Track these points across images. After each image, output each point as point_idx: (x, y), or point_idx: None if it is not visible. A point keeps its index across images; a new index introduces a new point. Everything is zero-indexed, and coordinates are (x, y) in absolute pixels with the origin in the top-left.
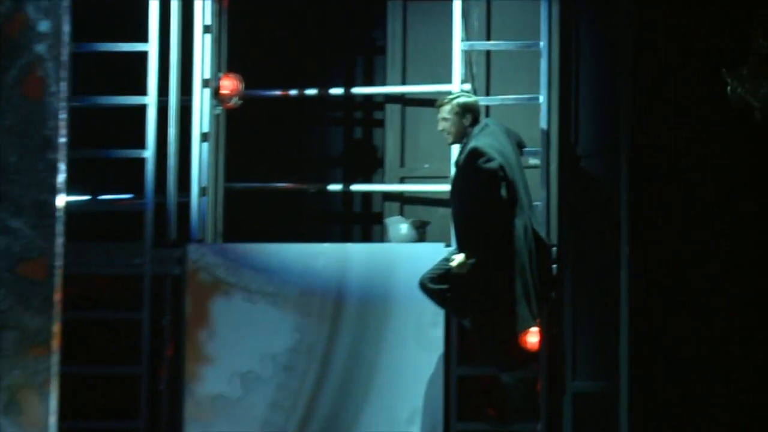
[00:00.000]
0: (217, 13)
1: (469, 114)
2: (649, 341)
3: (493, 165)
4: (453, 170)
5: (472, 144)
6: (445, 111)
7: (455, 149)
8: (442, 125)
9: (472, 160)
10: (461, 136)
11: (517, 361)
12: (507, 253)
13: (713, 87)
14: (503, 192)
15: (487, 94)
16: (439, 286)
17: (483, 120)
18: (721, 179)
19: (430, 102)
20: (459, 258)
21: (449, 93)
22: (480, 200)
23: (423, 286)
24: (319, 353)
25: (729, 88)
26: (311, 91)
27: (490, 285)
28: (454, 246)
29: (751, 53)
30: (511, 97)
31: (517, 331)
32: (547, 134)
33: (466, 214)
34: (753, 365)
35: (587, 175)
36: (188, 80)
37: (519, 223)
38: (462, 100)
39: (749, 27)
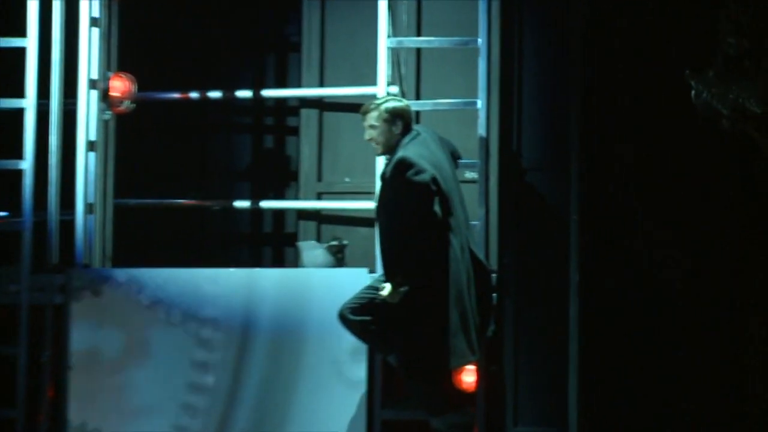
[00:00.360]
0: (107, 5)
1: (399, 121)
2: (601, 381)
3: (424, 177)
4: (378, 184)
5: (400, 154)
6: (372, 118)
7: (381, 160)
8: (369, 134)
9: (400, 172)
10: (391, 146)
11: (450, 403)
12: (442, 278)
13: (675, 91)
14: (437, 208)
15: (418, 98)
16: (362, 317)
17: (414, 127)
18: (685, 194)
19: (352, 107)
20: (389, 286)
21: (375, 97)
22: (410, 217)
23: (343, 317)
24: (222, 396)
25: (693, 92)
26: (215, 94)
27: (422, 315)
28: (379, 272)
29: (718, 53)
30: (444, 102)
31: (450, 368)
32: (486, 144)
33: (394, 234)
34: (722, 405)
35: (532, 190)
36: (73, 81)
37: (455, 243)
38: (391, 105)
39: (716, 24)
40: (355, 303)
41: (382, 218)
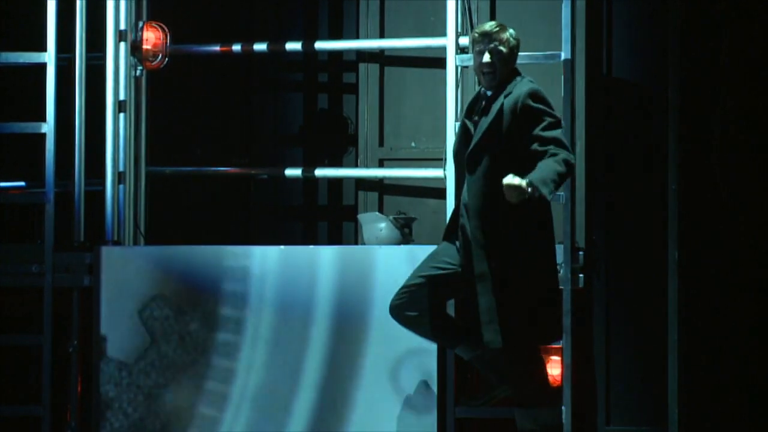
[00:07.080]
0: None
1: (515, 57)
2: (705, 375)
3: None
4: (451, 146)
5: (530, 87)
6: (501, 39)
7: (451, 125)
8: (490, 56)
9: (535, 102)
10: (504, 80)
11: (543, 395)
12: (542, 239)
13: None
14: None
15: None
16: (416, 312)
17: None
18: None
19: (417, 61)
20: (512, 179)
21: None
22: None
23: (395, 311)
24: (267, 390)
25: None
26: (260, 47)
27: (517, 277)
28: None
29: None
30: (523, 54)
31: (543, 341)
32: (571, 103)
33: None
34: None
35: (624, 157)
36: (99, 32)
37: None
38: (515, 36)
39: None
40: (404, 295)
41: (490, 150)
